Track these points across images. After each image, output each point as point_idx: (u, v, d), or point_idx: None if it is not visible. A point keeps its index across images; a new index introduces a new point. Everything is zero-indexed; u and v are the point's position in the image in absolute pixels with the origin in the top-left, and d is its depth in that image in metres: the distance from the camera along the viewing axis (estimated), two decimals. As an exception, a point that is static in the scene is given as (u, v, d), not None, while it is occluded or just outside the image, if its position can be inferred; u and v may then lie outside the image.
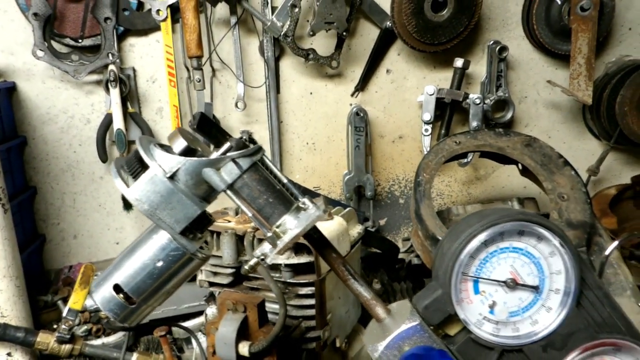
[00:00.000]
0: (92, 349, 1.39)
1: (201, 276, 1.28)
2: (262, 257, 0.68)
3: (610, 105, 1.74)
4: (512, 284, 0.67)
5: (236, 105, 1.69)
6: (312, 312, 1.16)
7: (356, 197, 1.86)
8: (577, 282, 0.67)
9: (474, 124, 1.74)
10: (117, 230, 1.83)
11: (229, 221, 1.22)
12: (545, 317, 0.68)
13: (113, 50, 1.60)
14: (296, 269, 1.17)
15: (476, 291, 0.69)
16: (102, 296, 0.68)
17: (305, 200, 0.70)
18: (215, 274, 1.25)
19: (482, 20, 1.77)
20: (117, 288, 0.67)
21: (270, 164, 0.70)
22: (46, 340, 1.31)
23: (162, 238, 0.66)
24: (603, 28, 1.73)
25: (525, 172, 1.55)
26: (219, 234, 1.19)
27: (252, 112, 1.78)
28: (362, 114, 1.74)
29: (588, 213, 1.35)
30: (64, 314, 1.34)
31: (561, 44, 1.75)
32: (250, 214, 0.67)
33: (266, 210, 0.68)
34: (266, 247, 0.69)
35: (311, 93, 1.80)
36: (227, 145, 0.68)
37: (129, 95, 1.66)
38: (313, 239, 0.71)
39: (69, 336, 1.31)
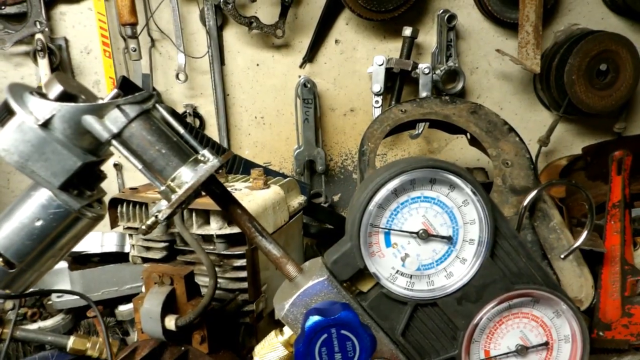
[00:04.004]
0: (24, 333, 1.31)
1: (133, 252, 1.21)
2: (157, 214, 0.63)
3: (559, 75, 1.73)
4: (425, 235, 0.64)
5: (177, 77, 1.62)
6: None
7: (308, 172, 1.81)
8: (491, 232, 0.64)
9: (424, 94, 1.71)
10: (56, 212, 1.74)
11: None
12: (460, 269, 0.66)
13: (40, 18, 1.50)
14: (230, 240, 1.12)
15: (388, 244, 0.65)
16: (-22, 261, 0.62)
17: (205, 152, 0.64)
18: (148, 249, 1.19)
19: (430, -13, 1.74)
20: (-5, 251, 0.61)
21: (165, 113, 0.65)
22: (-31, 324, 1.23)
23: (42, 195, 0.60)
24: (551, -5, 1.72)
25: (474, 141, 1.53)
26: (146, 205, 1.13)
27: (196, 85, 1.71)
28: (309, 85, 1.69)
29: (532, 179, 1.34)
30: (-12, 298, 1.27)
31: (510, 12, 1.73)
32: (140, 167, 0.61)
33: (159, 163, 0.62)
34: (162, 203, 0.63)
35: (258, 64, 1.74)
36: (114, 92, 0.62)
37: (62, 67, 1.56)
38: (215, 195, 0.66)
39: (-6, 320, 1.24)
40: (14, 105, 0.56)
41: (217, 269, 1.15)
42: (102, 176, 0.66)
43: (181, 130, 0.65)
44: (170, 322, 0.98)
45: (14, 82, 0.59)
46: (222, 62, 1.69)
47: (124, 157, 0.61)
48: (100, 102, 0.60)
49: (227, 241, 1.11)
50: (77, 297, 1.53)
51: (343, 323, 0.55)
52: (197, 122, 1.74)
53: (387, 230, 0.64)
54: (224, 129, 1.74)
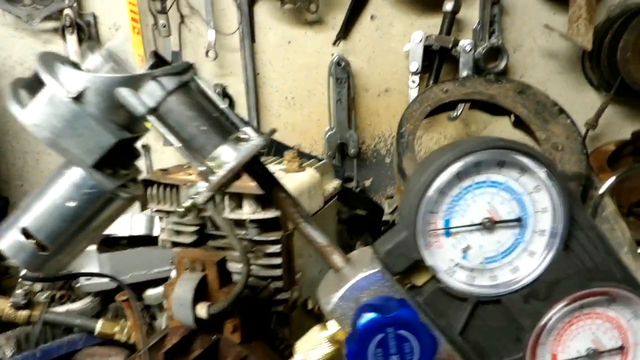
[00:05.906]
0: (53, 316, 1.30)
1: (163, 235, 1.18)
2: (195, 196, 0.58)
3: (612, 52, 1.62)
4: (490, 225, 0.57)
5: (206, 54, 1.56)
6: (281, 271, 1.07)
7: (339, 155, 1.75)
8: (566, 222, 0.57)
9: (464, 73, 1.62)
10: (86, 192, 1.72)
11: (191, 174, 1.12)
12: (528, 263, 0.59)
13: (69, -6, 1.46)
14: (263, 225, 1.07)
15: (447, 233, 0.58)
16: (9, 243, 0.58)
17: (248, 129, 0.59)
18: (178, 233, 1.16)
19: (474, -42, 1.63)
20: (27, 233, 0.57)
21: (205, 87, 0.59)
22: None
23: (74, 174, 0.55)
24: (606, -35, 1.59)
25: (518, 123, 1.44)
26: (177, 187, 1.09)
27: (226, 63, 1.65)
28: (343, 64, 1.62)
29: (584, 164, 1.25)
30: (20, 279, 1.25)
31: (560, -15, 1.62)
32: (178, 145, 0.56)
33: (198, 140, 0.57)
34: (201, 184, 0.58)
35: (289, 42, 1.67)
36: (150, 61, 0.57)
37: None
38: (258, 175, 0.61)
39: (25, 302, 1.23)
40: (44, 76, 0.51)
41: (249, 255, 1.11)
42: (136, 154, 0.61)
43: (221, 104, 0.60)
44: (202, 310, 0.94)
45: (44, 51, 0.55)
46: (252, 39, 1.62)
47: (155, 135, 0.56)
48: (135, 72, 0.55)
49: (260, 226, 1.07)
50: (106, 279, 1.52)
51: (402, 322, 0.49)
52: (227, 102, 1.69)
53: (446, 219, 0.58)
54: (254, 110, 1.68)
